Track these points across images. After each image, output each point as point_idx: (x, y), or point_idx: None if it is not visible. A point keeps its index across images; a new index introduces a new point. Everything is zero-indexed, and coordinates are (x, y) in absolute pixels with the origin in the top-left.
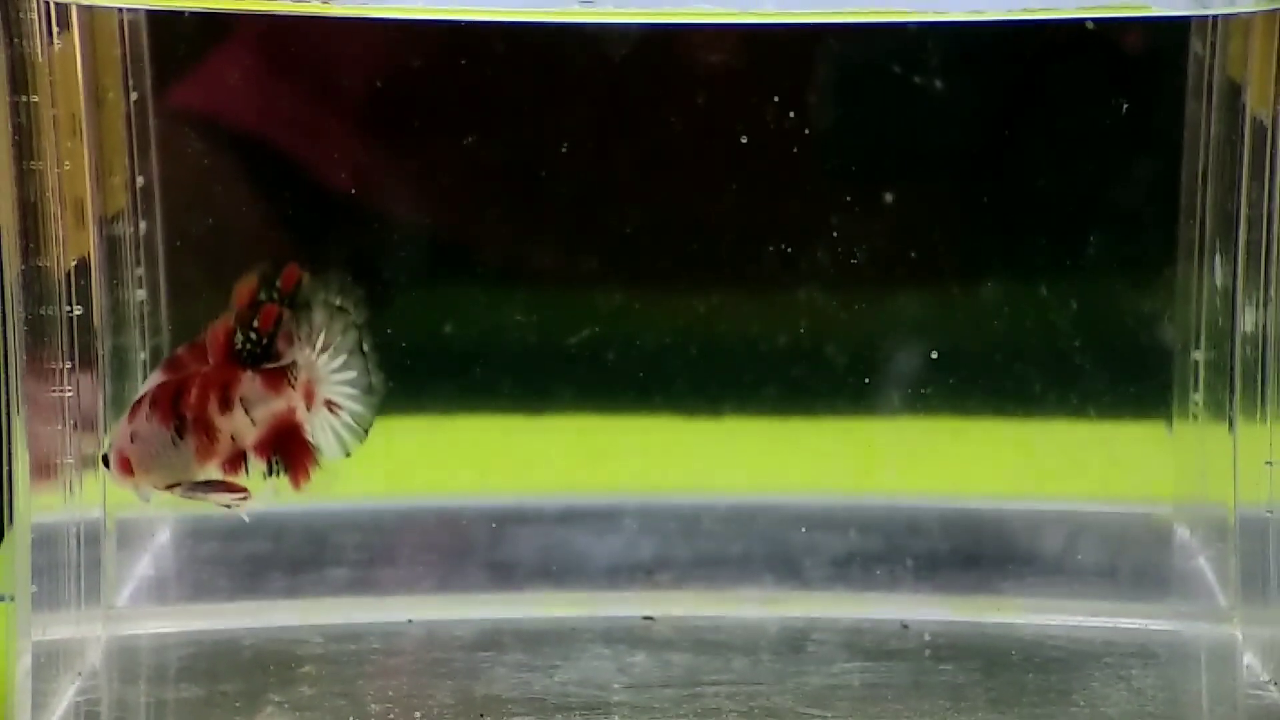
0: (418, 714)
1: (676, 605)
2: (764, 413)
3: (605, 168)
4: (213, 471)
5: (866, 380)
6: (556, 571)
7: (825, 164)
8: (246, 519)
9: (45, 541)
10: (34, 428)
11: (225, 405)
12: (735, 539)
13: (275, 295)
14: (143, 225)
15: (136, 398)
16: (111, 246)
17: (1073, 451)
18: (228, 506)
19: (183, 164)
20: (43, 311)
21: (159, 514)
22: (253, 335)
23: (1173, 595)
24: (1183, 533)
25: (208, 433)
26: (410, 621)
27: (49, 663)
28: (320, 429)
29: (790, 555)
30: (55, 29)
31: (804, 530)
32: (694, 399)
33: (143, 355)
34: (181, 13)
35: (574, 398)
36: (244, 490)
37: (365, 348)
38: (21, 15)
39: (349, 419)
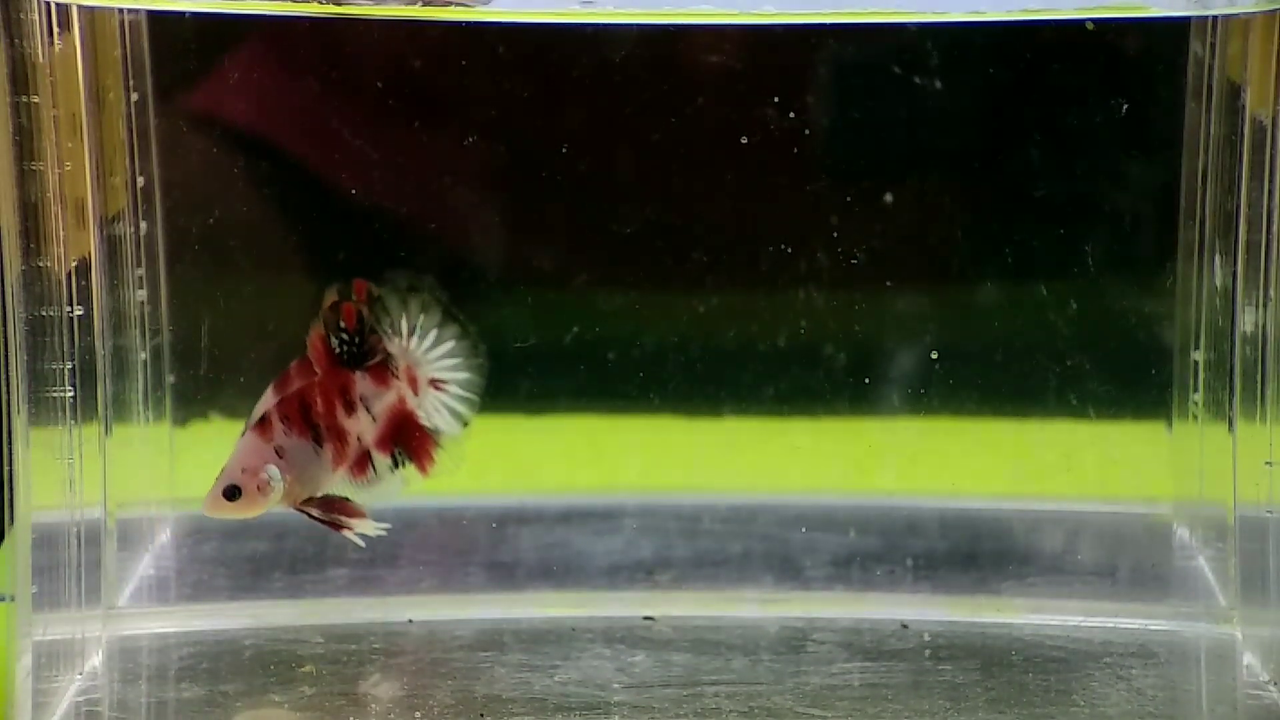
0: (418, 714)
1: (676, 605)
2: (764, 413)
3: (605, 168)
4: (340, 478)
5: (866, 380)
6: (557, 571)
7: (825, 164)
8: (363, 544)
9: (45, 541)
10: (34, 428)
11: (350, 408)
12: (735, 539)
13: (348, 297)
14: (143, 225)
15: (255, 419)
16: (112, 247)
17: (1072, 451)
18: (347, 527)
19: (183, 164)
20: (43, 312)
21: (159, 514)
22: (344, 336)
23: (1172, 595)
24: (1182, 533)
25: (341, 438)
26: (411, 621)
27: (49, 663)
28: (433, 410)
29: (790, 555)
30: (56, 29)
31: (804, 530)
32: (694, 399)
33: (143, 355)
34: (182, 13)
35: (574, 398)
36: (362, 513)
37: (453, 316)
38: (22, 16)
39: (458, 390)
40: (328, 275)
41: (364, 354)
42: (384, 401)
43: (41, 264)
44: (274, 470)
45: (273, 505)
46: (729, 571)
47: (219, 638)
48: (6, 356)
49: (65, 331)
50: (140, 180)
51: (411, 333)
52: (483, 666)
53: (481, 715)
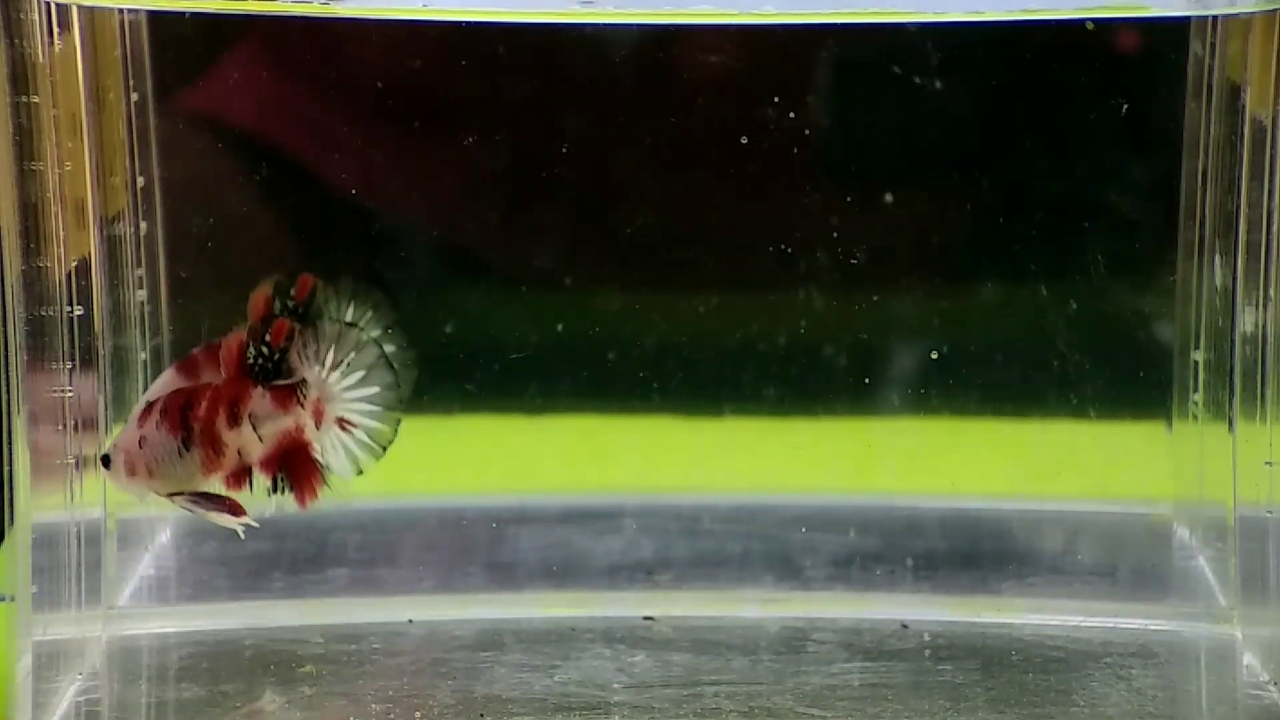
0: (418, 714)
1: (676, 605)
2: (764, 413)
3: (605, 168)
4: (216, 484)
5: (866, 380)
6: (557, 571)
7: (825, 164)
8: (241, 535)
9: (45, 541)
10: (34, 428)
11: (233, 420)
12: (735, 539)
13: (289, 304)
14: (143, 225)
15: (146, 401)
16: (112, 247)
17: (1072, 452)
18: (218, 516)
19: (183, 164)
20: (43, 312)
21: (160, 514)
22: (264, 350)
23: (1172, 595)
24: (1182, 532)
25: (214, 446)
26: (411, 621)
27: (49, 663)
28: (330, 448)
29: (790, 555)
30: (56, 29)
31: (804, 530)
32: (694, 399)
33: (143, 355)
34: (182, 13)
35: (574, 398)
36: (241, 511)
37: (389, 358)
38: (22, 16)
39: (364, 436)
40: (328, 274)
41: (277, 370)
42: (278, 425)
43: (41, 264)
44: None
45: (139, 488)
46: (729, 571)
47: (219, 638)
48: (6, 356)
49: (65, 331)
50: (140, 180)
51: (335, 366)
52: (483, 666)
53: (481, 715)
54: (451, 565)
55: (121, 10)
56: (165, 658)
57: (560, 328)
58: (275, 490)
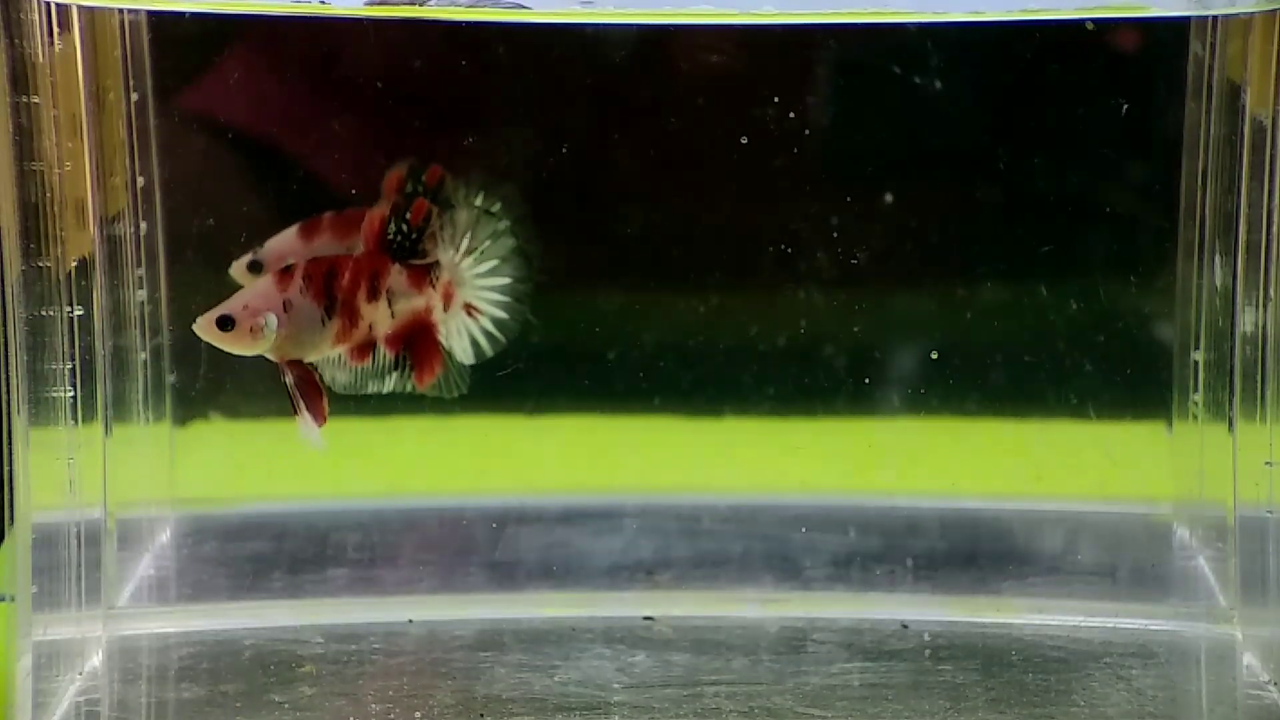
0: (418, 714)
1: (676, 605)
2: (764, 413)
3: (605, 168)
4: (339, 354)
5: (866, 381)
6: (557, 571)
7: (825, 164)
8: (318, 448)
9: (45, 541)
10: (34, 428)
11: (373, 294)
12: (735, 539)
13: (421, 189)
14: (143, 225)
15: (284, 266)
16: (112, 247)
17: (1072, 452)
18: (300, 414)
19: (183, 164)
20: (43, 312)
21: (159, 514)
22: (404, 227)
23: (1172, 595)
24: (1182, 533)
25: (352, 318)
26: (411, 621)
27: (49, 663)
28: (455, 332)
29: (790, 555)
30: (56, 30)
31: (804, 530)
32: (694, 399)
33: (143, 355)
34: (182, 13)
35: (574, 398)
36: (323, 421)
37: (519, 251)
38: (22, 16)
39: (488, 324)
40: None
41: (413, 249)
42: (410, 303)
43: (41, 264)
44: (272, 319)
45: (258, 350)
46: (729, 571)
47: (219, 638)
48: (6, 356)
49: (65, 331)
50: (140, 180)
51: (469, 252)
52: (483, 666)
53: (481, 715)
54: (451, 565)
55: (121, 10)
56: (165, 658)
57: (560, 327)
58: (397, 368)
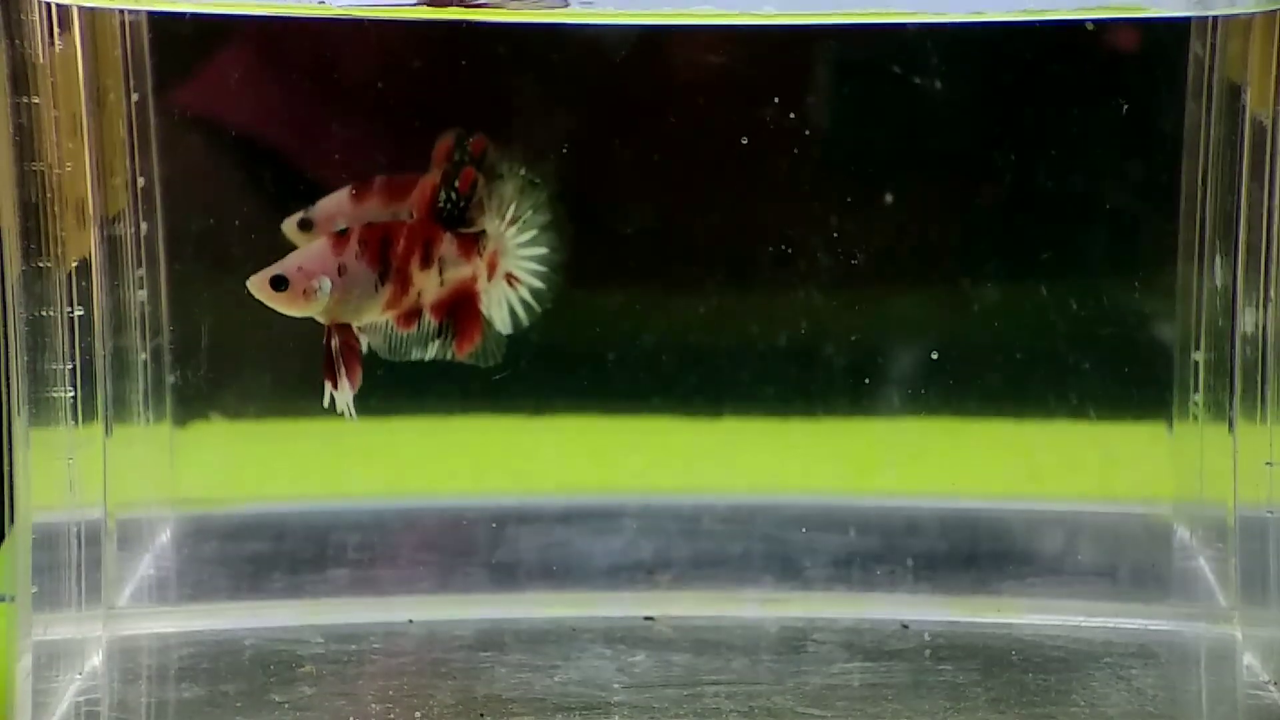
0: (418, 714)
1: (676, 605)
2: (764, 413)
3: (605, 167)
4: (387, 320)
5: (866, 381)
6: (557, 571)
7: (825, 164)
8: (351, 417)
9: (45, 541)
10: (34, 428)
11: (426, 262)
12: (735, 539)
13: (466, 158)
14: (143, 225)
15: (337, 230)
16: (112, 247)
17: (1072, 452)
18: (334, 380)
19: (183, 164)
20: (43, 312)
21: (159, 514)
22: (453, 195)
23: (1172, 595)
24: (1182, 533)
25: (404, 285)
26: (411, 621)
27: (49, 663)
28: (496, 301)
29: (790, 555)
30: (56, 30)
31: (804, 530)
32: (694, 399)
33: (143, 355)
34: (182, 14)
35: (574, 398)
36: (355, 385)
37: (557, 222)
38: (22, 17)
39: (525, 294)
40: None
41: (461, 218)
42: (458, 272)
43: (42, 264)
44: (325, 282)
45: (309, 312)
46: (729, 571)
47: (219, 638)
48: (7, 357)
49: (65, 332)
50: (140, 180)
51: (514, 221)
52: (483, 666)
53: (481, 715)
54: (451, 565)
55: (121, 10)
56: (165, 658)
57: (560, 327)
58: (440, 335)
